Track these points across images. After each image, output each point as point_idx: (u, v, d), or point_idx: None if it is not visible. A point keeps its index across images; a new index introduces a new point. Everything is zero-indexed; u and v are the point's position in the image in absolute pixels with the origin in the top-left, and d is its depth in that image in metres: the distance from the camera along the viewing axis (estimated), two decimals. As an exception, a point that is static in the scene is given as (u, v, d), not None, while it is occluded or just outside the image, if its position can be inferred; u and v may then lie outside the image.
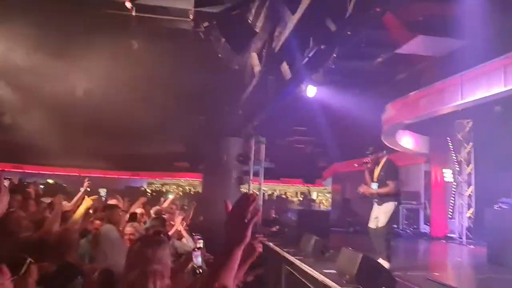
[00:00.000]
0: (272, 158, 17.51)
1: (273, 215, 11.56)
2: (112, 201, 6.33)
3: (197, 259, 3.97)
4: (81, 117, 12.22)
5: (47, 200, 6.66)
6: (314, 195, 24.27)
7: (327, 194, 24.39)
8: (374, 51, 9.99)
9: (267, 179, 15.32)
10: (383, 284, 4.92)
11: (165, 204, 7.23)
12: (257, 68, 8.31)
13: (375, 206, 6.54)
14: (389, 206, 6.34)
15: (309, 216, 11.86)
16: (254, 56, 8.42)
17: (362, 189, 6.70)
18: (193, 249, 5.22)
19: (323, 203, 23.38)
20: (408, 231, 12.33)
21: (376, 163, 6.62)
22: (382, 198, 6.42)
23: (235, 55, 7.43)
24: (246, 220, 1.53)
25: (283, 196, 23.15)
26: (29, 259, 2.51)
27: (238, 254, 1.54)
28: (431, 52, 9.98)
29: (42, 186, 16.34)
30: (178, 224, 6.12)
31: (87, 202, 4.89)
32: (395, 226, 11.60)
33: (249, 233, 1.55)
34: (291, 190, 26.39)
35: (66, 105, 11.15)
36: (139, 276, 2.13)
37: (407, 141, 12.47)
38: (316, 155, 19.78)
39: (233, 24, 7.28)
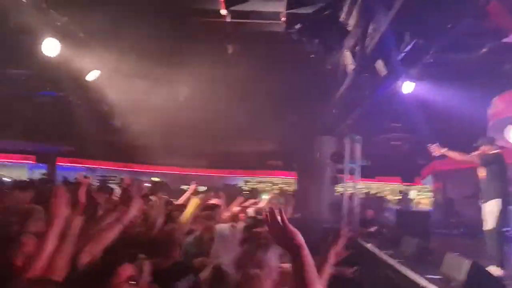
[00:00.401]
0: (367, 156, 17.05)
1: (371, 215, 11.26)
2: (213, 201, 6.63)
3: None
4: (183, 119, 12.96)
5: (154, 198, 7.18)
6: (412, 194, 23.18)
7: (427, 193, 23.14)
8: (477, 41, 9.29)
9: (362, 177, 14.95)
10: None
11: (263, 203, 7.43)
12: (351, 66, 8.19)
13: (482, 205, 6.10)
14: (493, 205, 5.86)
15: (409, 217, 11.42)
16: (347, 55, 8.31)
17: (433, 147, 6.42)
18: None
19: (421, 202, 22.22)
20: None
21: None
22: (485, 195, 5.96)
23: (328, 54, 7.43)
24: (281, 223, 1.60)
25: (380, 195, 22.38)
26: (141, 256, 2.75)
27: (304, 251, 1.59)
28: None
29: (148, 184, 17.65)
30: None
31: (195, 201, 5.09)
32: (507, 229, 10.66)
33: (292, 229, 1.61)
34: (388, 189, 25.36)
35: (169, 108, 11.92)
36: (247, 277, 2.26)
37: (520, 136, 11.41)
38: (414, 153, 18.88)
39: (325, 24, 7.26)
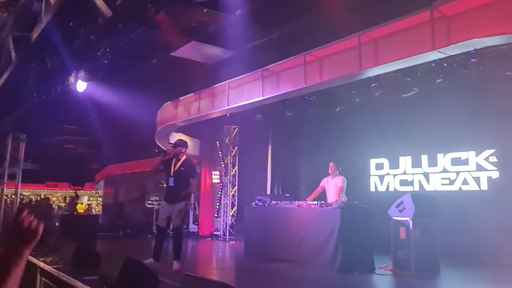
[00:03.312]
0: (36, 159, 15.70)
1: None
2: None
3: None
4: None
5: None
6: (83, 200, 22.87)
7: (99, 198, 23.23)
8: (150, 51, 9.92)
9: (29, 182, 13.68)
10: (146, 284, 4.83)
11: None
12: (14, 53, 7.26)
13: (166, 205, 6.24)
14: (183, 205, 6.22)
15: (75, 222, 11.05)
16: (11, 40, 7.33)
17: None
18: None
19: (91, 207, 22.19)
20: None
21: (177, 158, 6.35)
22: (178, 197, 6.19)
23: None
24: None
25: (49, 202, 21.08)
26: None
27: None
28: (204, 59, 10.51)
29: None
30: None
31: None
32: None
33: None
34: (59, 195, 24.19)
35: None
36: None
37: (180, 143, 12.77)
38: (88, 157, 18.65)
39: None
